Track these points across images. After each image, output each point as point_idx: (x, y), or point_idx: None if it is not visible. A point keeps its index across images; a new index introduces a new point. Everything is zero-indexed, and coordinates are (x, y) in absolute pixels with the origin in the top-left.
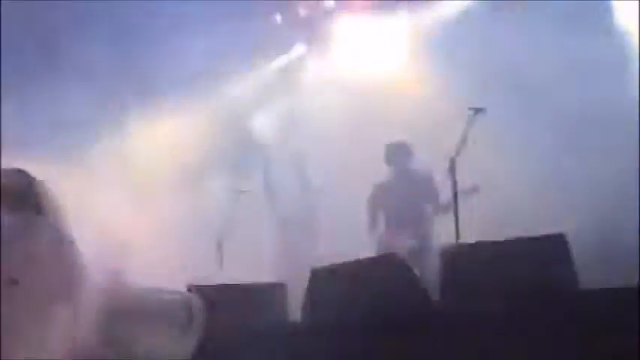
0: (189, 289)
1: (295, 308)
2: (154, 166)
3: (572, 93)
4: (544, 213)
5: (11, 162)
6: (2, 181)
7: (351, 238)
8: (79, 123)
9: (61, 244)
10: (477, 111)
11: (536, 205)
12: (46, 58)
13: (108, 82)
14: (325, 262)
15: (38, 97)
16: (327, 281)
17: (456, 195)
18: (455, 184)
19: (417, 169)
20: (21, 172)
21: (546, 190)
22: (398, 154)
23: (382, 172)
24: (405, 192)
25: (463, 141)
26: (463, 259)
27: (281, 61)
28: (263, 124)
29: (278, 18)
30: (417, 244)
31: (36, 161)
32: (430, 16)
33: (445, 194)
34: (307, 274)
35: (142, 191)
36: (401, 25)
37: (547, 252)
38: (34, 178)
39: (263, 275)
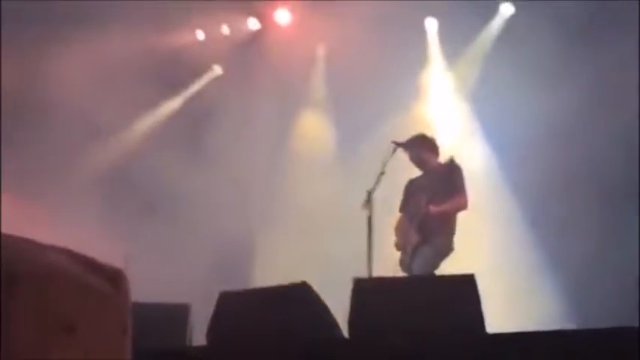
0: None
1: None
2: None
3: None
4: None
5: None
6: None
7: None
8: None
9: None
10: (398, 145)
11: None
12: None
13: None
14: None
15: None
16: (235, 306)
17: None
18: (370, 218)
19: (435, 165)
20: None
21: None
22: (409, 144)
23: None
24: (417, 185)
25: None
26: (375, 293)
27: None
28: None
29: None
30: (419, 241)
31: None
32: None
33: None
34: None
35: None
36: None
37: (455, 292)
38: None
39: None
